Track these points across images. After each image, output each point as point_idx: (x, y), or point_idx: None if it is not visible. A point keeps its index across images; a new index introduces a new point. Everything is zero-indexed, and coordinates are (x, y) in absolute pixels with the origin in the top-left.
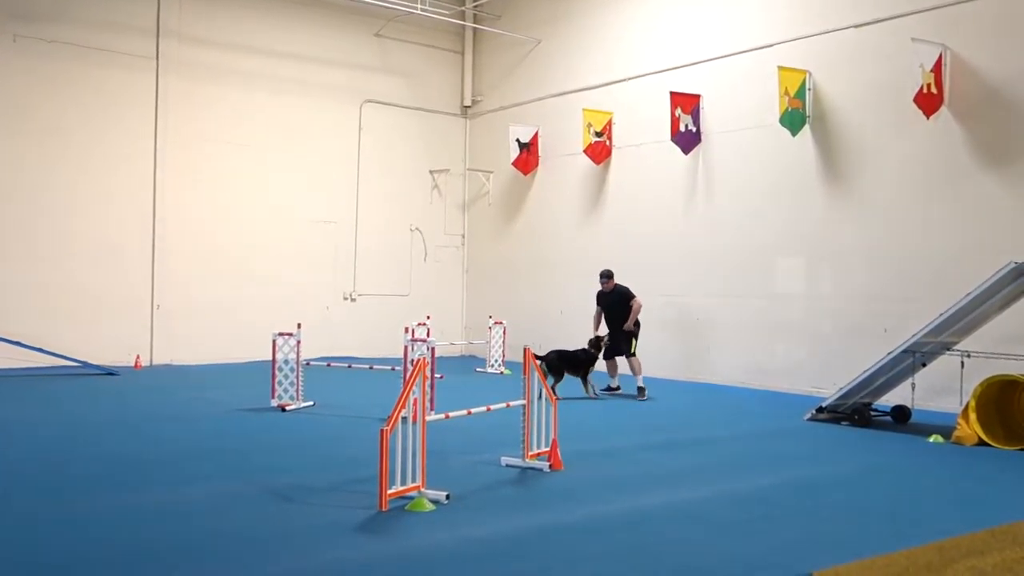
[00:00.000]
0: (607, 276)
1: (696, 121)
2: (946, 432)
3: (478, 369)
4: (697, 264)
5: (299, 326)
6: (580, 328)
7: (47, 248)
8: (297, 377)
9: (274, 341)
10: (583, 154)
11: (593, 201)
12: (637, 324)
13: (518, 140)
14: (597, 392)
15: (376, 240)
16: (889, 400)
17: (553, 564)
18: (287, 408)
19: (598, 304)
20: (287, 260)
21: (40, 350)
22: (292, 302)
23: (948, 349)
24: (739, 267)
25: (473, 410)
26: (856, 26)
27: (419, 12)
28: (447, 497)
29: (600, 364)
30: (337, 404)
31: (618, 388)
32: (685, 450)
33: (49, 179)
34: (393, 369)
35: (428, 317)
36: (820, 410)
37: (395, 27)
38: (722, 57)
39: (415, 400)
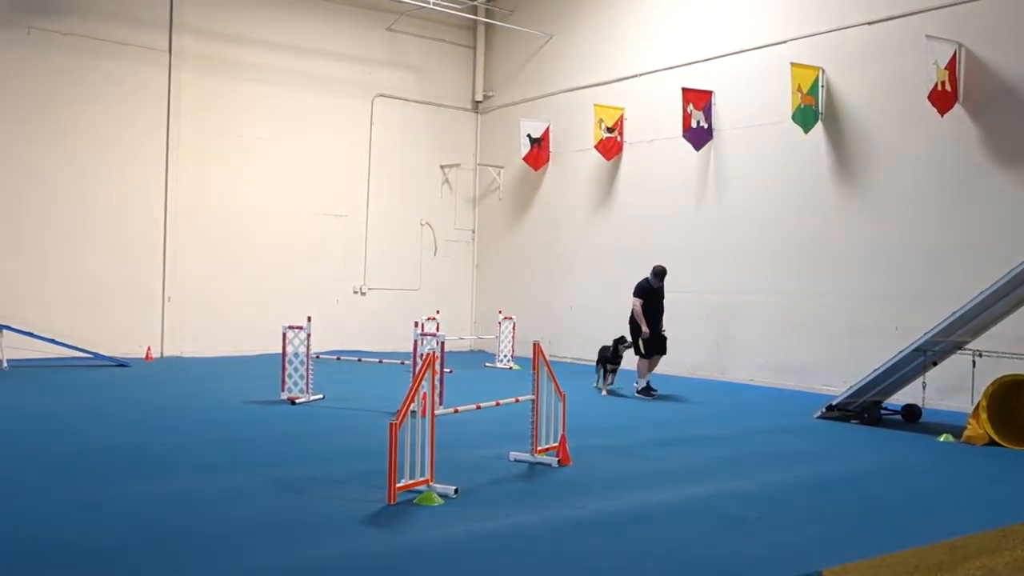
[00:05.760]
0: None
1: (708, 117)
2: (957, 432)
3: (487, 364)
4: (707, 261)
5: (309, 319)
6: (589, 323)
7: (59, 240)
8: (307, 370)
9: (284, 334)
10: (594, 150)
11: (603, 197)
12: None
13: (529, 135)
14: None
15: (386, 234)
16: (899, 399)
17: (561, 559)
18: (297, 401)
19: (651, 299)
20: (297, 254)
21: (52, 341)
22: (302, 295)
23: (959, 348)
24: (749, 264)
25: (482, 404)
26: (870, 23)
27: (431, 7)
28: (455, 491)
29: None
30: (346, 397)
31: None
32: (694, 447)
33: (62, 171)
34: (402, 363)
35: (437, 312)
36: (830, 408)
37: (407, 22)
38: (735, 53)
39: (424, 394)
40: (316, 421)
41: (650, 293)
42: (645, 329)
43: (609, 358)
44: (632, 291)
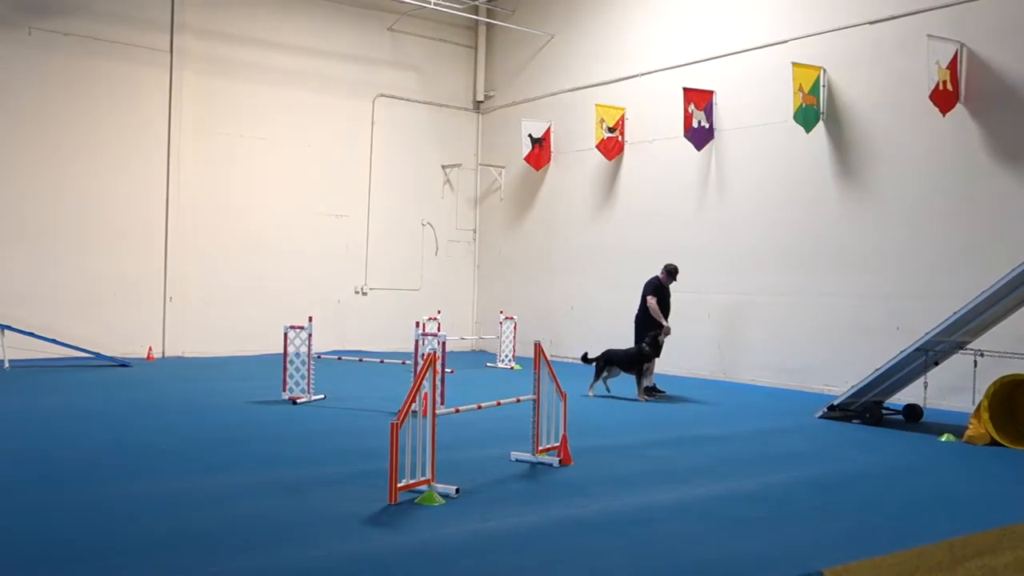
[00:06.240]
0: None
1: (709, 117)
2: (958, 431)
3: (488, 364)
4: (708, 260)
5: (311, 319)
6: (590, 324)
7: (61, 240)
8: (308, 370)
9: (285, 334)
10: (595, 150)
11: (605, 197)
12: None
13: (530, 135)
14: None
15: (387, 234)
16: (901, 399)
17: (562, 559)
18: (298, 401)
19: (661, 296)
20: (299, 254)
21: (54, 341)
22: (304, 295)
23: (961, 348)
24: (750, 264)
25: (483, 404)
26: (871, 22)
27: (432, 7)
28: (456, 491)
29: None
30: (348, 397)
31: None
32: (695, 447)
33: (63, 171)
34: (403, 363)
35: (439, 312)
36: (832, 408)
37: (408, 22)
38: (736, 53)
39: (425, 394)
40: (317, 421)
41: (660, 291)
42: (667, 324)
43: (647, 354)
44: (643, 290)
